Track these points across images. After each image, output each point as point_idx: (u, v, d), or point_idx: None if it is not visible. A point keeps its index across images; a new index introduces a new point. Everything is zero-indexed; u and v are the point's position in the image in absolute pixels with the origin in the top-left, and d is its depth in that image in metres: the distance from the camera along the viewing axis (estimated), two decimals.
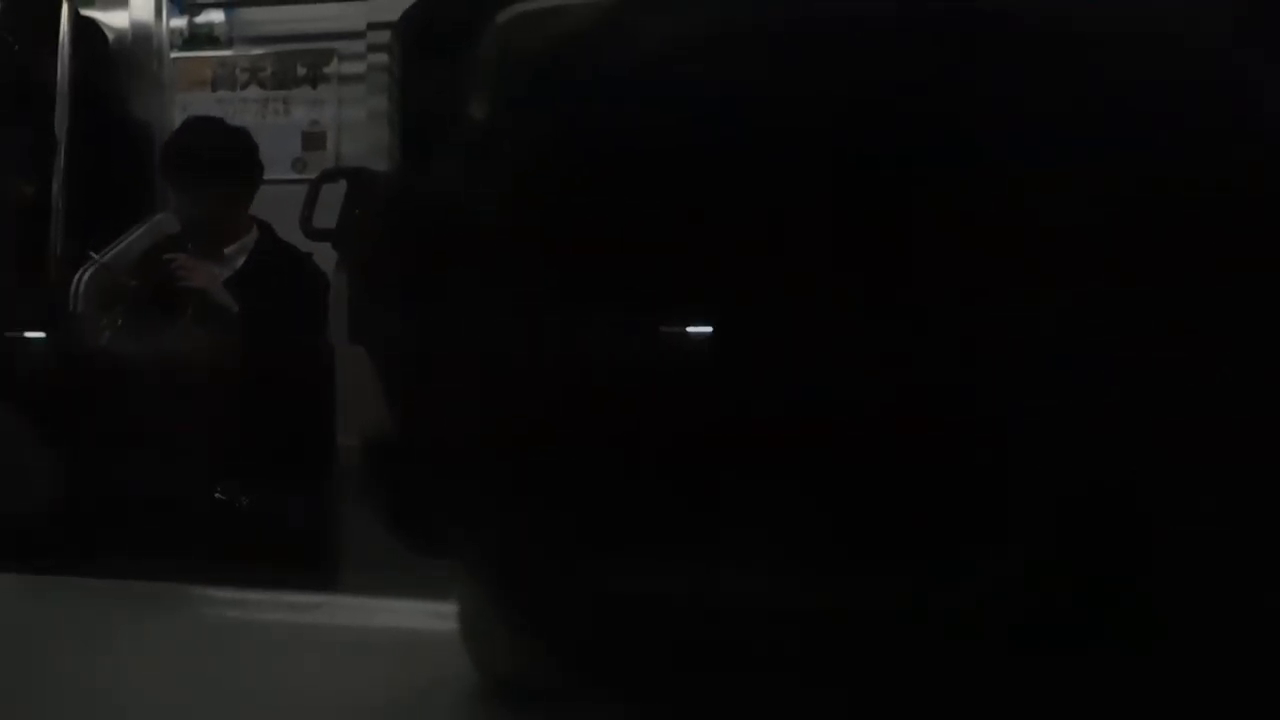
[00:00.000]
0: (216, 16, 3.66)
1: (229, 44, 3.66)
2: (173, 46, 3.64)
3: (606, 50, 0.43)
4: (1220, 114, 0.37)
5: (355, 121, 3.45)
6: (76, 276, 2.78)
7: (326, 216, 2.54)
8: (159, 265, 2.74)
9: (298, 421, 2.52)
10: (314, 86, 3.58)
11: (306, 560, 2.32)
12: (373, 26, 3.38)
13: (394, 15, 3.27)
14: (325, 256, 2.55)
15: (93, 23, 3.39)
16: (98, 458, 2.50)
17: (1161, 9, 0.38)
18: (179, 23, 3.65)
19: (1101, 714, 0.38)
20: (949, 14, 0.38)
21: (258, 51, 3.63)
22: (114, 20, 3.54)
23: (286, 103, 3.59)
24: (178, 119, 3.30)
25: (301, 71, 3.59)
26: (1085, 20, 0.38)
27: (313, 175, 2.92)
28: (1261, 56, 0.37)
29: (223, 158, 2.85)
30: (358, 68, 3.47)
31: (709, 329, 0.39)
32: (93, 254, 2.76)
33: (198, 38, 3.66)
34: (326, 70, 3.57)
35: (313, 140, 3.55)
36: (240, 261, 2.83)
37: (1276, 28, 0.38)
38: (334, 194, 2.57)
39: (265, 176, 2.94)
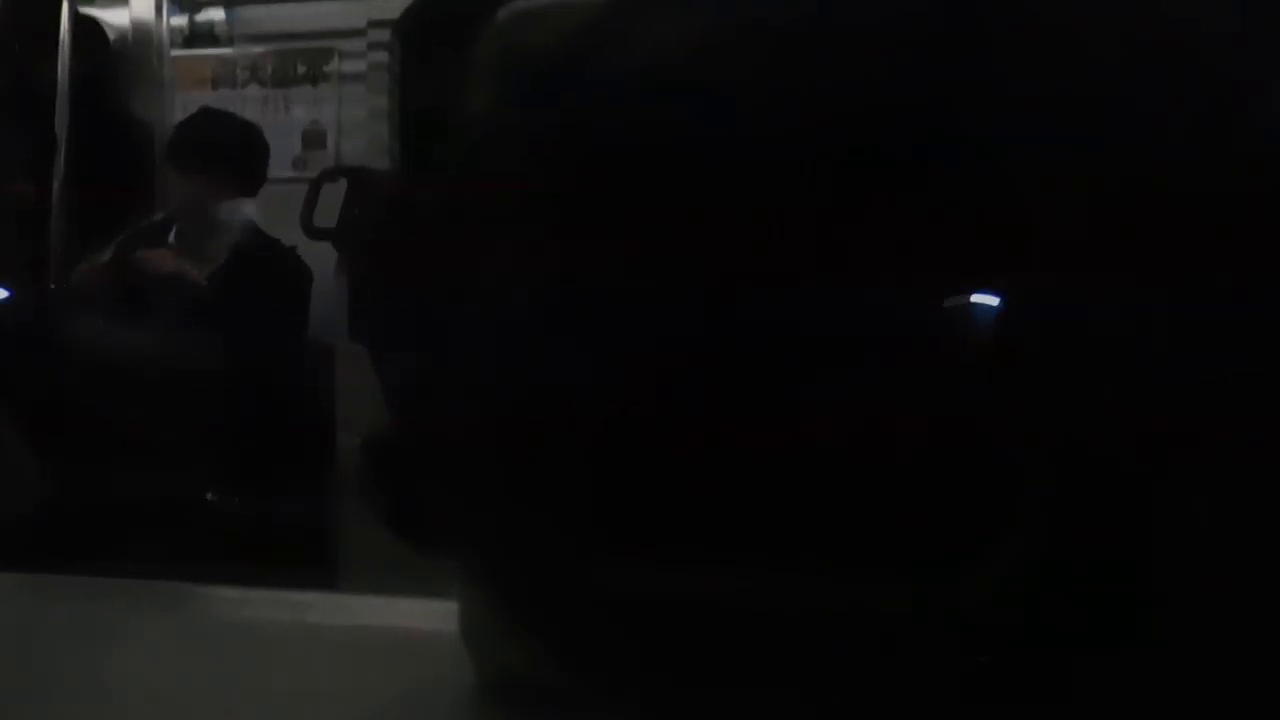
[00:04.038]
0: (217, 15, 3.66)
1: (229, 42, 3.66)
2: (173, 45, 3.64)
3: (607, 47, 0.43)
4: (1223, 113, 0.37)
5: (356, 120, 3.45)
6: (74, 276, 2.79)
7: (327, 215, 2.53)
8: (141, 260, 2.73)
9: (290, 417, 2.51)
10: (314, 85, 3.57)
11: (306, 558, 2.31)
12: (373, 25, 3.39)
13: (394, 13, 3.27)
14: (322, 254, 2.54)
15: (93, 21, 3.39)
16: (90, 457, 2.50)
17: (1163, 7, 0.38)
18: (179, 21, 3.65)
19: (1102, 714, 0.38)
20: (950, 13, 0.38)
21: (258, 50, 3.62)
22: (114, 19, 3.54)
23: (287, 101, 3.58)
24: (178, 117, 3.30)
25: (302, 70, 3.58)
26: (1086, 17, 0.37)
27: (313, 174, 2.91)
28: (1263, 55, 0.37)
29: (235, 150, 2.85)
30: (358, 66, 3.47)
31: (711, 327, 0.39)
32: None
33: (198, 36, 3.66)
34: (327, 69, 3.56)
35: (313, 139, 3.54)
36: (224, 256, 2.82)
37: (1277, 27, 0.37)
38: (334, 193, 2.57)
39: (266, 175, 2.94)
